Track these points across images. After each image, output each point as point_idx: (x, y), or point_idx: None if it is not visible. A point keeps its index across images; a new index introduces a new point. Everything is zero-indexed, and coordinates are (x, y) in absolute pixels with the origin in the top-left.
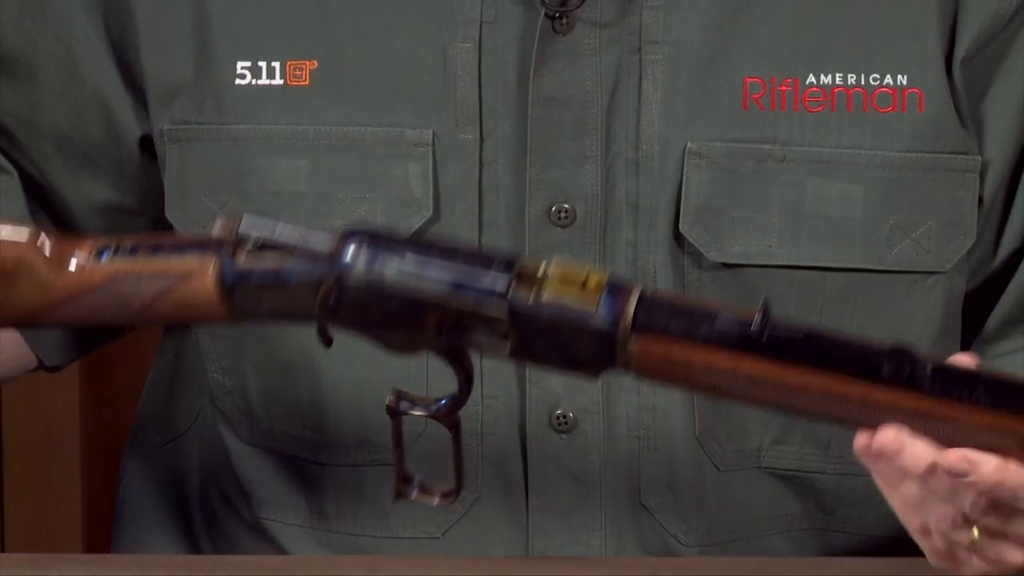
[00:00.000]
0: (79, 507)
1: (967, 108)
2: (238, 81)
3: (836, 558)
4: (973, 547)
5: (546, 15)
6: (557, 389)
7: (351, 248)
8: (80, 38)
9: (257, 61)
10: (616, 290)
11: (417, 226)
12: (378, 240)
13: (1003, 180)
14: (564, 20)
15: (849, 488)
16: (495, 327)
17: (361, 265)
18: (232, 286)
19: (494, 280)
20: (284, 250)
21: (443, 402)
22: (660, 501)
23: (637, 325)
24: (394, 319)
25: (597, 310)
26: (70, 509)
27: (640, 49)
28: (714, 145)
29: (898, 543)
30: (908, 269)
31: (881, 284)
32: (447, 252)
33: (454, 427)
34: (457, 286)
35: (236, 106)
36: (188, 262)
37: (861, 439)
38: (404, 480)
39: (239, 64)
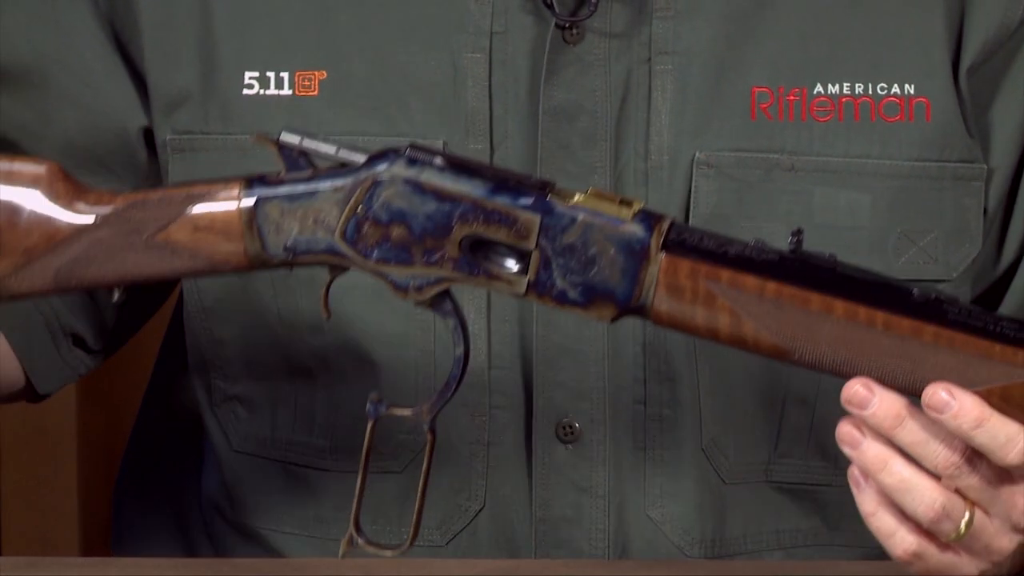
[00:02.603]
0: (76, 510)
1: (973, 117)
2: (245, 91)
3: (835, 561)
4: (959, 538)
5: (556, 25)
6: (563, 399)
7: (389, 156)
8: (95, 46)
9: (265, 71)
10: (650, 213)
11: None
12: (416, 150)
13: (1006, 189)
14: (575, 30)
15: (854, 501)
16: (525, 235)
17: (399, 167)
18: (258, 201)
19: (530, 188)
20: (320, 157)
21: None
22: (665, 513)
23: (668, 242)
24: (422, 229)
25: (632, 219)
26: (67, 512)
27: (650, 59)
28: (723, 155)
29: None
30: (915, 278)
31: None
32: (483, 166)
33: (432, 432)
34: (494, 190)
35: (244, 116)
36: (213, 183)
37: (844, 428)
38: (357, 525)
39: (247, 74)
